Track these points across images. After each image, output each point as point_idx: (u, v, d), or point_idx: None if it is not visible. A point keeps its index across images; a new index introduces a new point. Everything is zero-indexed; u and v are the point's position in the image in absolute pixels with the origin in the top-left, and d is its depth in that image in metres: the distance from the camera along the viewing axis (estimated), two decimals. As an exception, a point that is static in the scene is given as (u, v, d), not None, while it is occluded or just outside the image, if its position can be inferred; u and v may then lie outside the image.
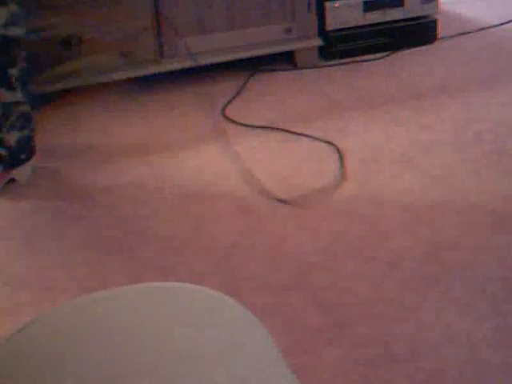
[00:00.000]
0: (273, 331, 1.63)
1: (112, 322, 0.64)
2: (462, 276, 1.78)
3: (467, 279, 1.77)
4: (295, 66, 2.98)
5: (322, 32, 2.97)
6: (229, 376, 0.59)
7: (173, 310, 0.65)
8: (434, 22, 3.14)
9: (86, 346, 0.61)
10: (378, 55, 3.05)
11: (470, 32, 3.26)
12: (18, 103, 2.18)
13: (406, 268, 1.82)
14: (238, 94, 2.77)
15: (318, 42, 2.95)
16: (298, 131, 2.48)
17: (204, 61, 2.81)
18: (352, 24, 3.02)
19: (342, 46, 3.02)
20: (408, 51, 3.09)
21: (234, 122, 2.57)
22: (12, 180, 2.26)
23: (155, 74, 2.81)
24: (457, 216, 2.00)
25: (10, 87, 2.15)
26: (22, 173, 2.27)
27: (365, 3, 3.01)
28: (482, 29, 3.29)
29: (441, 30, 3.20)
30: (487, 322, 1.63)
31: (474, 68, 2.92)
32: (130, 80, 2.77)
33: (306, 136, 2.43)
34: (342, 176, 2.19)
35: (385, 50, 3.08)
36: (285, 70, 2.96)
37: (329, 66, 2.98)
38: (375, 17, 3.04)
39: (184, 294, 0.68)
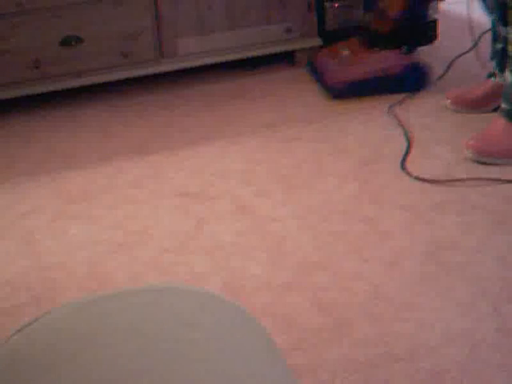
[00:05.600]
0: (273, 331, 1.62)
1: (112, 322, 0.64)
2: (462, 276, 1.78)
3: (467, 279, 1.77)
4: (295, 66, 2.98)
5: (322, 32, 2.97)
6: (228, 376, 0.59)
7: (172, 310, 0.65)
8: (434, 22, 3.13)
9: (86, 347, 0.61)
10: (378, 55, 3.04)
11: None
12: None
13: (406, 268, 1.82)
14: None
15: (317, 42, 2.95)
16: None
17: (204, 61, 2.81)
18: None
19: (342, 46, 3.01)
20: (408, 51, 3.08)
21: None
22: None
23: (155, 74, 2.81)
24: (457, 216, 2.00)
25: None
26: None
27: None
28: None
29: (441, 30, 3.19)
30: (487, 322, 1.63)
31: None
32: (130, 80, 2.77)
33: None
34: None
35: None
36: (285, 70, 2.96)
37: (329, 65, 2.98)
38: (375, 17, 3.03)
39: (183, 295, 0.68)
